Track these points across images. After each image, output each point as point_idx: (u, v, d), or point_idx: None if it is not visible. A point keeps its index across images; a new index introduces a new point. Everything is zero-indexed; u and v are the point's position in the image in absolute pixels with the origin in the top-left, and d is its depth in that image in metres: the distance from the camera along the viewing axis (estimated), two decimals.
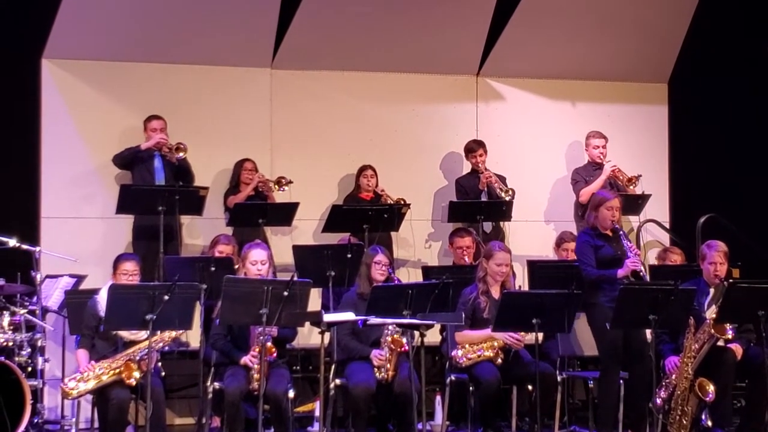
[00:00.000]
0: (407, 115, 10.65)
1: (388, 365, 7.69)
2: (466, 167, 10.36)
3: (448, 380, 8.04)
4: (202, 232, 9.90)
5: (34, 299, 8.34)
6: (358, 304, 7.76)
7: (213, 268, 8.12)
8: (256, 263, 7.74)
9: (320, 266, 8.54)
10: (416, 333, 7.20)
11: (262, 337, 7.20)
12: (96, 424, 7.53)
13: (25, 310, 8.15)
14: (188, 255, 9.45)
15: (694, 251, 9.20)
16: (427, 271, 9.21)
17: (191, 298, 7.26)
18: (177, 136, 9.57)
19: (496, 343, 7.85)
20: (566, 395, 8.41)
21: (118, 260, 7.78)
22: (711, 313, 7.81)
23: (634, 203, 10.01)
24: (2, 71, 9.40)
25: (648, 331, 7.77)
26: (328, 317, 7.05)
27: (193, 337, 8.30)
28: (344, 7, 9.99)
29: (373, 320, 7.20)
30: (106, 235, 9.65)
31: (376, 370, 7.70)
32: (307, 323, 7.76)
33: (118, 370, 7.30)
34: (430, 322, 7.11)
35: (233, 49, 10.00)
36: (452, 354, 7.95)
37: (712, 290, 8.00)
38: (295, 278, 7.30)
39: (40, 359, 8.17)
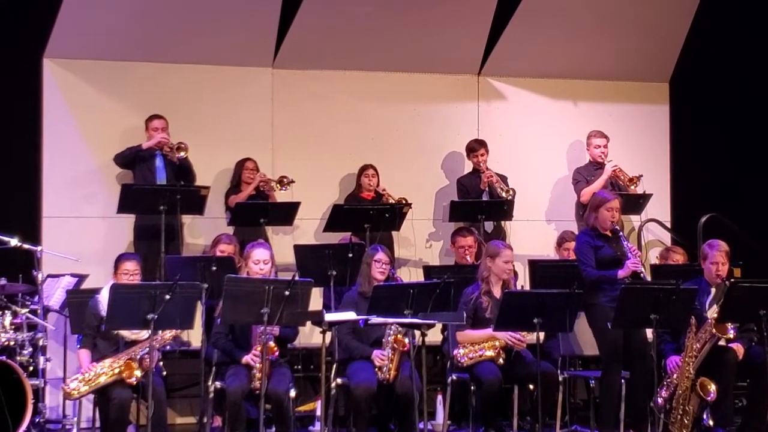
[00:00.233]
0: (409, 114, 10.64)
1: (390, 365, 7.69)
2: (468, 167, 10.36)
3: (449, 380, 8.04)
4: (203, 231, 9.90)
5: (36, 299, 8.34)
6: (359, 303, 7.76)
7: (214, 268, 8.12)
8: (258, 262, 7.74)
9: (321, 266, 8.55)
10: (417, 332, 7.21)
11: (263, 336, 7.21)
12: (97, 424, 7.53)
13: (27, 310, 8.16)
14: (189, 254, 9.45)
15: (695, 251, 9.19)
16: (428, 270, 9.20)
17: (192, 297, 7.27)
18: (178, 136, 9.57)
19: (497, 343, 7.85)
20: (567, 395, 8.41)
21: (119, 260, 7.78)
22: (712, 312, 7.81)
23: (635, 203, 10.01)
24: (3, 71, 9.40)
25: (649, 331, 7.77)
26: (329, 317, 7.05)
27: (195, 337, 8.30)
28: (346, 6, 9.99)
29: (375, 320, 7.20)
30: (108, 234, 9.65)
31: (377, 370, 7.70)
32: (309, 323, 7.75)
33: (119, 370, 7.30)
34: (432, 321, 7.11)
35: (234, 48, 10.00)
36: (453, 353, 7.94)
37: (713, 290, 8.01)
38: (297, 278, 7.31)
39: (41, 359, 8.17)
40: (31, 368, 7.98)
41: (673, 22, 10.73)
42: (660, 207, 10.74)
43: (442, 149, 10.66)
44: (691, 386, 7.58)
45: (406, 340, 7.61)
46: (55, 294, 8.59)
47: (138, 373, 7.27)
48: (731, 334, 7.66)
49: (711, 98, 10.79)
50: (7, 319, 7.95)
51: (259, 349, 7.37)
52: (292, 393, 7.54)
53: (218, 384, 7.55)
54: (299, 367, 8.90)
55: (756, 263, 9.56)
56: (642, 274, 7.99)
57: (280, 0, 9.78)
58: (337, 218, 9.38)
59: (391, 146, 10.51)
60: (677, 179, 11.09)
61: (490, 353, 7.86)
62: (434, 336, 8.18)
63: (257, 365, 7.39)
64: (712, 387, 7.53)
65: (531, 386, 7.90)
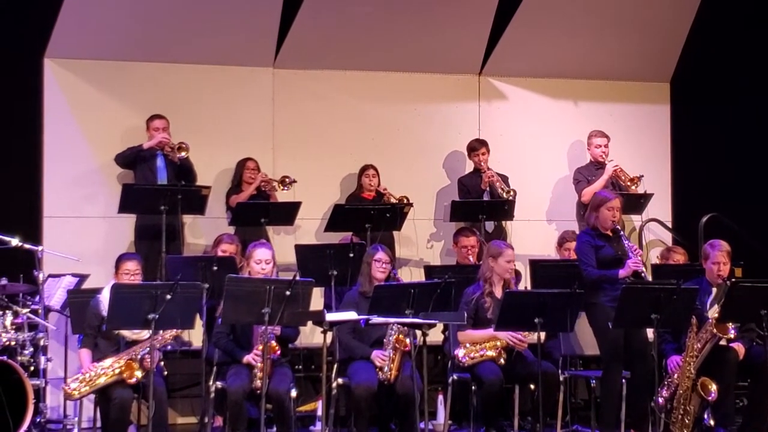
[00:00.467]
0: (410, 114, 10.65)
1: (391, 365, 7.69)
2: (469, 166, 10.36)
3: (450, 379, 8.04)
4: (204, 231, 9.91)
5: (37, 299, 8.34)
6: (360, 303, 7.76)
7: (215, 268, 8.12)
8: (260, 262, 7.75)
9: (322, 265, 8.55)
10: (418, 332, 7.21)
11: (265, 336, 7.21)
12: (98, 424, 7.53)
13: (28, 310, 8.16)
14: (190, 254, 9.45)
15: (696, 251, 9.19)
16: (429, 270, 9.21)
17: (193, 297, 7.27)
18: (179, 136, 9.57)
19: (498, 343, 7.85)
20: (568, 394, 8.40)
21: (120, 260, 7.78)
22: (713, 312, 7.81)
23: (636, 202, 10.01)
24: (4, 71, 9.40)
25: (650, 331, 7.77)
26: (330, 316, 7.05)
27: (196, 337, 8.30)
28: (346, 6, 9.99)
29: (376, 319, 7.20)
30: (109, 234, 9.65)
31: (378, 370, 7.70)
32: (310, 323, 7.75)
33: (119, 370, 7.30)
34: (433, 321, 7.11)
35: (235, 48, 10.00)
36: (455, 353, 7.94)
37: (714, 289, 8.00)
38: (298, 277, 7.31)
39: (42, 358, 8.17)
40: (32, 368, 7.98)
41: (674, 21, 10.73)
42: (661, 207, 10.74)
43: (443, 149, 10.66)
44: (692, 386, 7.58)
45: (407, 341, 7.62)
46: (56, 294, 8.59)
47: (139, 373, 7.27)
48: (732, 334, 7.66)
49: (712, 98, 10.78)
50: (8, 319, 7.95)
51: (260, 348, 7.37)
52: (293, 393, 7.53)
53: (219, 384, 7.55)
54: (300, 367, 8.89)
55: (757, 263, 9.54)
56: (643, 274, 7.98)
57: (281, 0, 9.79)
58: (338, 218, 9.38)
59: (391, 146, 10.52)
60: (678, 179, 11.09)
61: (491, 353, 7.86)
62: (435, 336, 8.18)
63: (258, 365, 7.39)
64: (713, 387, 7.52)
65: (532, 386, 7.88)
